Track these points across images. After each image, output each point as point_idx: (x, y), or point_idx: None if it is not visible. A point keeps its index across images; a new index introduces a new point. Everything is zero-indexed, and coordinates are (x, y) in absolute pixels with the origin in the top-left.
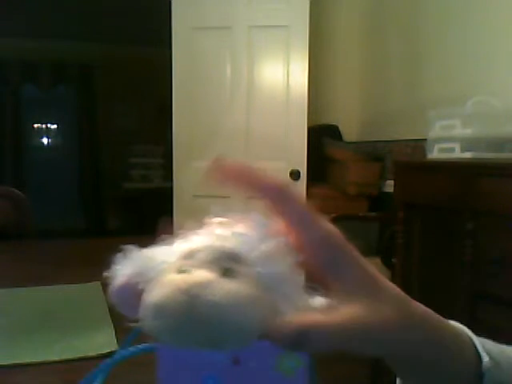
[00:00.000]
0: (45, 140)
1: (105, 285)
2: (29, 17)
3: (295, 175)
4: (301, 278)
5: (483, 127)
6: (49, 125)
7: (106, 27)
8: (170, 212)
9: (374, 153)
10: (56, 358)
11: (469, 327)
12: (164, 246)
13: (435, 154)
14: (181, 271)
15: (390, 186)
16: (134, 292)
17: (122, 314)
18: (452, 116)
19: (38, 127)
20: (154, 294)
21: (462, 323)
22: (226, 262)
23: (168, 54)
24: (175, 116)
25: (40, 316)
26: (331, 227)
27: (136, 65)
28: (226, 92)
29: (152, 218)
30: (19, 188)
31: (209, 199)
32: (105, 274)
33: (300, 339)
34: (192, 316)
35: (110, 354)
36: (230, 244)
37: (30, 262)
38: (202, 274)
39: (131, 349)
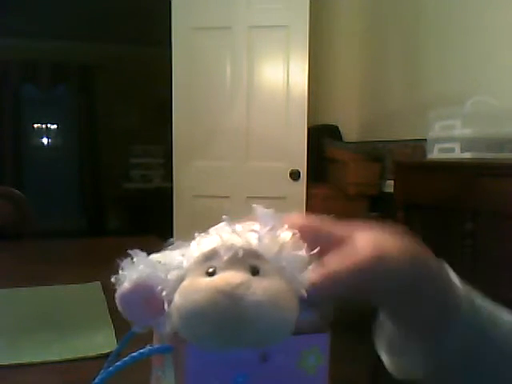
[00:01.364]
0: (45, 140)
1: (105, 285)
2: (29, 17)
3: (295, 175)
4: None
5: (483, 127)
6: (49, 125)
7: (105, 27)
8: (170, 212)
9: (373, 153)
10: (56, 358)
11: None
12: (172, 250)
13: (435, 154)
14: (209, 273)
15: (389, 186)
16: (141, 297)
17: (127, 319)
18: (452, 116)
19: (37, 127)
20: (191, 300)
21: None
22: (251, 260)
23: (168, 54)
24: (175, 116)
25: (40, 316)
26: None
27: (136, 65)
28: (226, 92)
29: (152, 218)
30: (19, 188)
31: (209, 199)
32: (111, 277)
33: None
34: (238, 318)
35: (110, 354)
36: (247, 241)
37: (30, 262)
38: (237, 275)
39: (149, 348)
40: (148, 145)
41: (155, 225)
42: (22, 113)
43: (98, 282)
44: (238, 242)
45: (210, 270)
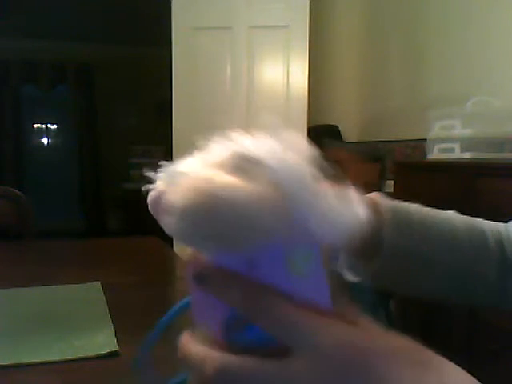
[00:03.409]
0: (45, 140)
1: (105, 285)
2: (29, 17)
3: None
4: (330, 192)
5: (483, 127)
6: (49, 125)
7: (105, 27)
8: None
9: (373, 153)
10: (56, 358)
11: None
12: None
13: (435, 154)
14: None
15: (389, 186)
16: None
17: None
18: (452, 116)
19: (37, 127)
20: (175, 197)
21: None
22: (245, 164)
23: (168, 54)
24: (175, 116)
25: (40, 316)
26: None
27: (136, 65)
28: (226, 92)
29: (152, 218)
30: (19, 188)
31: None
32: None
33: None
34: (211, 215)
35: (110, 354)
36: (251, 150)
37: (30, 262)
38: (220, 176)
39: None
40: (148, 145)
41: (155, 225)
42: (22, 113)
43: (98, 282)
44: (239, 148)
45: (201, 171)
